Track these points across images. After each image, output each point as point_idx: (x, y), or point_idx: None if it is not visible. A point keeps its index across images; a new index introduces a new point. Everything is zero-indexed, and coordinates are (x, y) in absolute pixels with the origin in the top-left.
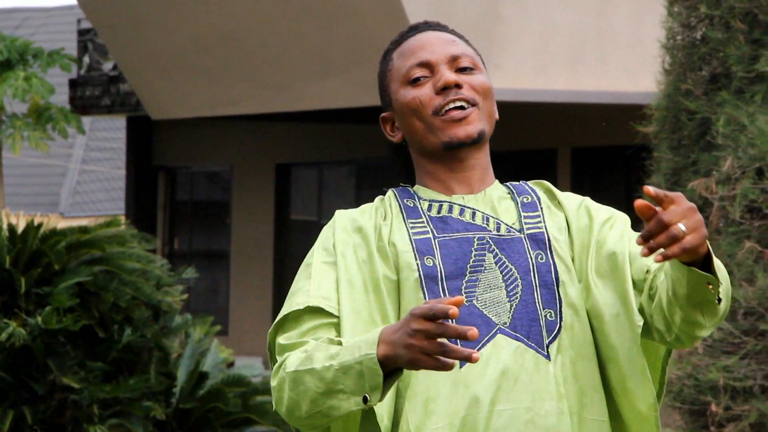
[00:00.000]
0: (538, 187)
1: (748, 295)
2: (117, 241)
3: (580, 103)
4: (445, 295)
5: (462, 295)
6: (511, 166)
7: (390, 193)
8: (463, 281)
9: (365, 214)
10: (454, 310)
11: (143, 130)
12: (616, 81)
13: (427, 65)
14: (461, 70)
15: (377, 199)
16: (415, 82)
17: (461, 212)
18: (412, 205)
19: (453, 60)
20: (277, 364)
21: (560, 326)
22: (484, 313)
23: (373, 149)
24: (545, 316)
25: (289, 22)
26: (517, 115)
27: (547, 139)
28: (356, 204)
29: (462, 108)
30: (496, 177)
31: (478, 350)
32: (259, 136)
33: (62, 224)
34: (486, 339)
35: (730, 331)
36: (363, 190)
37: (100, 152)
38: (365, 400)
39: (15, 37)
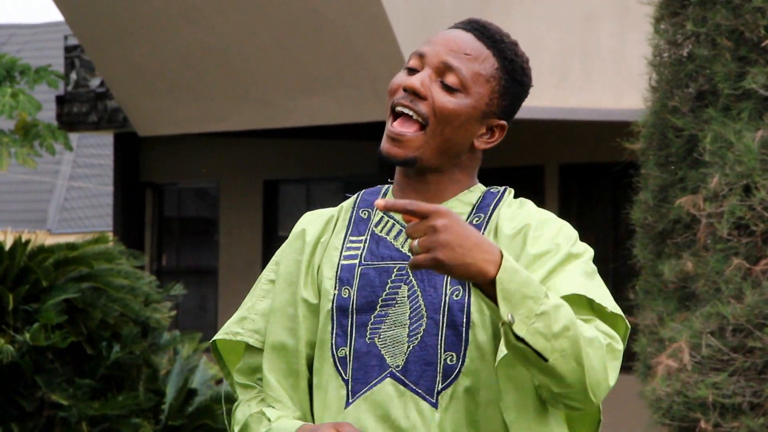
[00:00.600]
0: (508, 207)
1: (736, 312)
2: (105, 257)
3: (567, 120)
4: (351, 329)
5: (367, 331)
6: (498, 183)
7: (353, 198)
8: (372, 315)
9: (318, 220)
10: None
11: (130, 147)
12: (602, 98)
13: (422, 61)
14: (444, 86)
15: (347, 200)
16: (408, 70)
17: (397, 234)
18: (365, 216)
19: (444, 69)
20: (234, 406)
21: (459, 371)
22: (382, 352)
23: (360, 165)
24: (445, 359)
25: (275, 39)
26: None
27: (534, 156)
28: None
29: (411, 117)
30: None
31: (364, 392)
32: (246, 153)
33: (50, 241)
34: (374, 382)
35: (719, 348)
36: None
37: (87, 169)
38: None
39: (1, 54)
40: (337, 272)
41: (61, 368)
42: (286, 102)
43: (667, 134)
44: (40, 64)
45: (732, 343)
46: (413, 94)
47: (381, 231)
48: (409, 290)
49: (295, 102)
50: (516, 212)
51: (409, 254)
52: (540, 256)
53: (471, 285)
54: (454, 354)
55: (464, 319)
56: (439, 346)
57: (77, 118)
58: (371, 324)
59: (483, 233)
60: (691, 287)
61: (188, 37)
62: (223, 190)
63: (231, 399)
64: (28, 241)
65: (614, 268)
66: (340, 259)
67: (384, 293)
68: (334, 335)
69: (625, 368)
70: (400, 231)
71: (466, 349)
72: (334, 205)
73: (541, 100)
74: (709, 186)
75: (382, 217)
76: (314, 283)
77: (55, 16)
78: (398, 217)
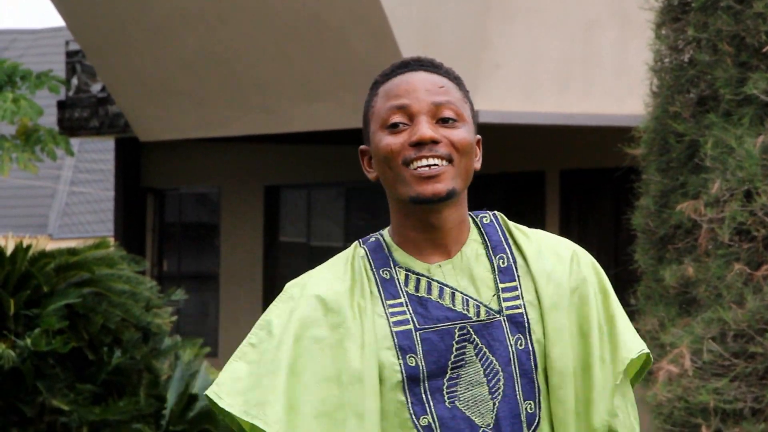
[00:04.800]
0: (505, 228)
1: (737, 318)
2: (106, 262)
3: (568, 126)
4: (426, 396)
5: (444, 396)
6: (500, 189)
7: (362, 255)
8: (444, 380)
9: (337, 284)
10: None
11: (132, 152)
12: (603, 104)
13: (407, 112)
14: (443, 121)
15: (345, 257)
16: (393, 127)
17: (440, 293)
18: (388, 276)
19: (436, 109)
20: None
21: (539, 417)
22: (467, 415)
23: (361, 171)
24: (525, 408)
25: (276, 45)
26: (505, 138)
27: (535, 162)
28: (345, 226)
29: (436, 165)
30: (487, 200)
31: None
32: (247, 158)
33: (51, 246)
34: None
35: (720, 353)
36: (352, 211)
37: (88, 174)
38: None
39: (3, 59)
40: (394, 341)
41: (62, 373)
42: (287, 108)
43: (669, 140)
44: (41, 69)
45: (733, 349)
46: (431, 143)
47: (419, 292)
48: (475, 348)
49: (297, 108)
50: (536, 250)
51: (465, 312)
52: (575, 291)
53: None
54: (531, 402)
55: (532, 366)
56: (518, 397)
57: (78, 123)
58: (446, 389)
59: (517, 275)
60: (693, 292)
61: (190, 43)
62: (224, 195)
63: None
64: (29, 247)
65: (615, 274)
66: (391, 327)
67: (452, 356)
68: (410, 405)
69: None
70: (441, 289)
71: (539, 395)
72: (336, 209)
73: (543, 106)
74: (711, 191)
75: (408, 275)
76: (372, 354)
77: (57, 21)
78: (429, 273)
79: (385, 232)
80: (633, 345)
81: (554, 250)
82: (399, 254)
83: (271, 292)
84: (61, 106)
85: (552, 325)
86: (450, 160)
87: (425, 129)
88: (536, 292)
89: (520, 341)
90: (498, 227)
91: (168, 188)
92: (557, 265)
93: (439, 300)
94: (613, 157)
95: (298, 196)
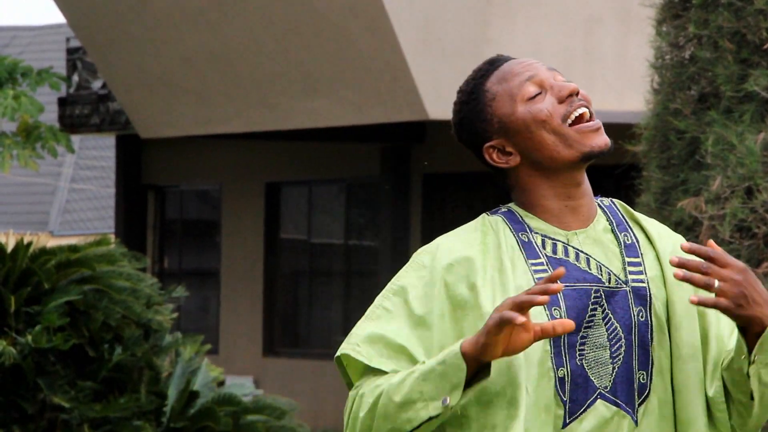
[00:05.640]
0: (624, 212)
1: None
2: (107, 259)
3: None
4: (565, 350)
5: (576, 352)
6: (502, 186)
7: (499, 220)
8: (578, 336)
9: (474, 246)
10: (542, 299)
11: (132, 149)
12: (604, 100)
13: (538, 82)
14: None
15: (473, 226)
16: (532, 99)
17: (576, 257)
18: (527, 239)
19: (553, 74)
20: (352, 391)
21: (650, 389)
22: (588, 375)
23: (362, 168)
24: (638, 378)
25: (277, 42)
26: None
27: None
28: (345, 222)
29: (589, 113)
30: (487, 197)
31: (580, 414)
32: (248, 155)
33: (52, 243)
34: (589, 403)
35: None
36: (352, 208)
37: (89, 171)
38: (444, 402)
39: (4, 56)
40: None
41: (63, 370)
42: (288, 104)
43: (669, 136)
44: (42, 66)
45: None
46: (576, 94)
47: (557, 254)
48: (602, 312)
49: (298, 104)
50: (658, 232)
51: (599, 276)
52: None
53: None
54: (644, 372)
55: (649, 339)
56: (634, 366)
57: (79, 120)
58: (579, 345)
59: (640, 252)
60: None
61: (191, 40)
62: (225, 192)
63: (232, 401)
64: (30, 243)
65: None
66: (535, 281)
67: (587, 315)
68: (552, 355)
69: None
70: (577, 253)
71: (652, 368)
72: (337, 206)
73: None
74: (711, 188)
75: (544, 240)
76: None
77: (58, 18)
78: (566, 239)
79: (512, 206)
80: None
81: (669, 234)
82: (535, 222)
83: (271, 288)
84: (62, 103)
85: (680, 301)
86: (592, 113)
87: (568, 84)
88: (661, 268)
89: (641, 313)
90: (617, 209)
91: (169, 185)
92: (676, 246)
93: (576, 263)
94: (614, 153)
95: (299, 192)
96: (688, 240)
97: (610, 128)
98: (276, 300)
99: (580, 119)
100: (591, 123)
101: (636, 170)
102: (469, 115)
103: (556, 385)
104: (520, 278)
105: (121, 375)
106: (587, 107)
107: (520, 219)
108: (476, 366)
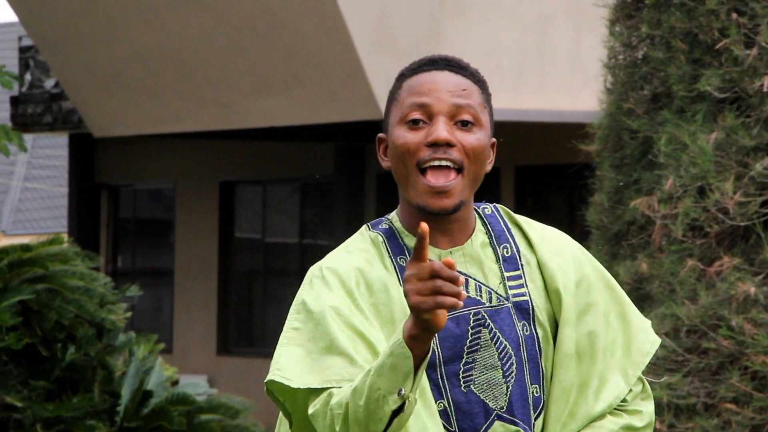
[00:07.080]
0: (507, 219)
1: (690, 314)
2: (60, 259)
3: (523, 122)
4: (443, 381)
5: (460, 380)
6: None
7: (380, 241)
8: (461, 364)
9: (371, 265)
10: (423, 227)
11: (85, 148)
12: (557, 99)
13: (427, 111)
14: (461, 124)
15: (361, 239)
16: (412, 123)
17: None
18: (404, 264)
19: (455, 111)
20: (318, 408)
21: (544, 401)
22: (482, 398)
23: (316, 167)
24: (532, 392)
25: (230, 40)
26: None
27: None
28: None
29: (447, 167)
30: None
31: None
32: (202, 154)
33: (4, 242)
34: (484, 428)
35: (673, 348)
36: (307, 207)
37: (42, 170)
38: (400, 393)
39: None
40: None
41: (16, 370)
42: (242, 103)
43: (622, 136)
44: None
45: (686, 344)
46: (445, 145)
47: None
48: (490, 333)
49: (251, 103)
50: (540, 237)
51: (478, 297)
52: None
53: (534, 319)
54: (537, 386)
55: (537, 351)
56: (526, 381)
57: (32, 119)
58: (462, 373)
59: (521, 263)
60: (646, 288)
61: (143, 38)
62: (179, 191)
63: (186, 401)
64: None
65: None
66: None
67: (468, 341)
68: (432, 387)
69: None
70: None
71: (543, 379)
72: (291, 205)
73: (497, 102)
74: (664, 188)
75: None
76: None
77: (10, 16)
78: (440, 259)
79: (394, 217)
80: (644, 346)
81: (559, 238)
82: (411, 241)
83: (226, 288)
84: (14, 101)
85: (559, 307)
86: (461, 169)
87: (442, 130)
88: (542, 276)
89: (525, 327)
90: (500, 217)
91: (122, 184)
92: (564, 250)
93: None
94: (567, 153)
95: (253, 191)
96: (640, 239)
97: (563, 128)
98: (230, 299)
99: (432, 172)
100: (435, 183)
101: (589, 169)
102: (389, 94)
103: (441, 417)
104: (399, 304)
105: (75, 374)
106: (451, 161)
107: (400, 239)
108: (422, 349)
